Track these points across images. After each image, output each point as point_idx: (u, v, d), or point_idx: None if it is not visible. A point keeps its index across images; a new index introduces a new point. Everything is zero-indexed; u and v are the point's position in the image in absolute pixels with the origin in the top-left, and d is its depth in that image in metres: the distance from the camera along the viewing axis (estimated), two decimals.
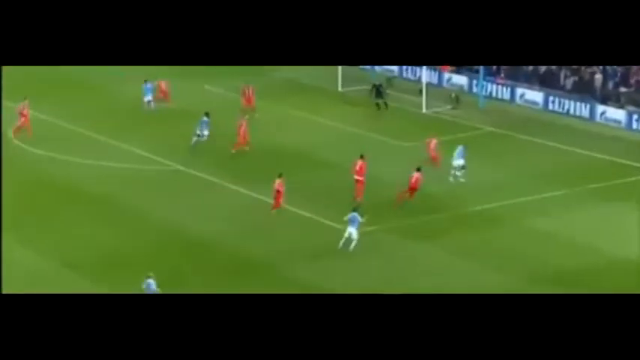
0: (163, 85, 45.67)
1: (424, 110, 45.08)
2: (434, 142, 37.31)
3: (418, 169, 33.63)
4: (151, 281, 25.87)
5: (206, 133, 39.06)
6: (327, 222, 32.18)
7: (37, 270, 28.55)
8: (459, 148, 36.37)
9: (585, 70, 46.53)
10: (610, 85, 45.76)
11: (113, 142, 40.14)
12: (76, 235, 31.23)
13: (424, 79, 46.69)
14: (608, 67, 45.98)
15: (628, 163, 37.53)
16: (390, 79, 49.72)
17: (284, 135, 41.51)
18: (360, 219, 29.73)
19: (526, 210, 33.48)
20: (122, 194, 34.60)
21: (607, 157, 38.74)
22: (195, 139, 39.09)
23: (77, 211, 33.19)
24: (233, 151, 38.62)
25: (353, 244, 29.61)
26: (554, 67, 47.53)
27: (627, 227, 32.15)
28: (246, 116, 40.56)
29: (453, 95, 46.35)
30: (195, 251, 30.27)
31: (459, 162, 35.99)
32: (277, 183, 32.87)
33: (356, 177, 34.27)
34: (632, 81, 45.65)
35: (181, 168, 37.53)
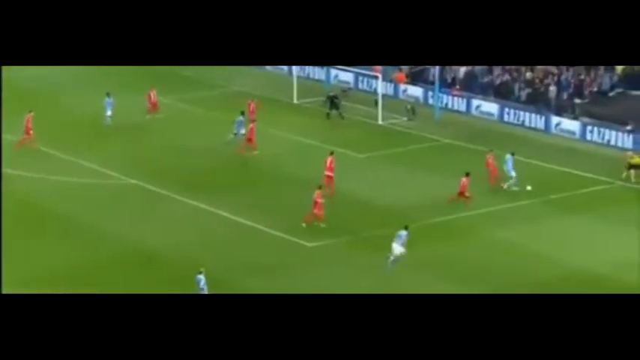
0: (152, 95, 44.02)
1: (380, 122, 44.45)
2: (491, 156, 35.92)
3: (467, 175, 33.61)
4: (201, 277, 26.24)
5: (242, 132, 39.79)
6: (281, 234, 31.32)
7: None
8: (508, 157, 36.18)
9: (540, 82, 46.23)
10: (564, 96, 45.48)
11: (67, 158, 38.92)
12: (30, 250, 30.09)
13: (380, 91, 46.05)
14: (562, 79, 45.73)
15: (583, 174, 37.20)
16: (345, 91, 49.04)
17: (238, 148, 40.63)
18: (406, 237, 28.85)
19: (484, 221, 32.98)
20: (77, 209, 33.52)
21: (562, 169, 38.39)
22: (231, 136, 39.66)
23: (32, 226, 32.06)
24: (244, 154, 38.56)
25: (398, 259, 28.61)
26: (509, 79, 47.18)
27: (584, 238, 31.82)
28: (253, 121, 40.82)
29: (409, 107, 45.74)
30: (150, 265, 29.28)
31: (511, 173, 35.93)
32: (316, 194, 32.08)
33: (326, 173, 34.93)
34: (586, 92, 45.42)
35: (136, 182, 36.47)
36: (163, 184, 35.93)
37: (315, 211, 31.97)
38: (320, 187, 32.76)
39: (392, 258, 28.99)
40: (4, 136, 39.39)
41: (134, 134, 42.03)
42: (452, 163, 38.49)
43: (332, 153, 35.88)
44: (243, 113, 41.00)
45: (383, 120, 44.54)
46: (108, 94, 42.96)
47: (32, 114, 39.96)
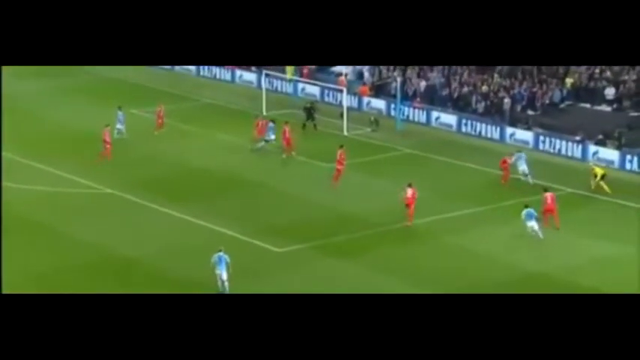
0: (160, 112, 43.87)
1: (345, 133, 44.89)
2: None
3: (545, 190, 33.87)
4: (222, 254, 27.31)
5: (272, 137, 40.42)
6: (256, 242, 31.61)
7: None
8: (519, 155, 37.92)
9: (495, 95, 46.99)
10: (518, 108, 46.26)
11: (43, 167, 38.94)
12: (4, 258, 29.99)
13: (345, 103, 46.54)
14: (516, 92, 46.51)
15: (536, 182, 37.86)
16: (312, 103, 49.49)
17: (211, 158, 40.87)
18: (535, 213, 31.28)
19: (443, 227, 33.32)
20: (52, 218, 33.46)
21: (516, 176, 39.00)
22: (262, 144, 40.22)
23: (7, 236, 31.97)
24: (284, 156, 38.98)
25: (539, 233, 31.25)
26: (466, 92, 47.90)
27: (535, 242, 32.34)
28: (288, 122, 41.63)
29: (372, 118, 46.25)
30: (125, 273, 29.33)
31: (522, 168, 37.49)
32: (410, 192, 33.14)
33: (337, 166, 36.76)
34: (538, 104, 46.22)
35: (111, 191, 36.58)
36: (138, 193, 36.05)
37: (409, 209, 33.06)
38: (410, 185, 33.54)
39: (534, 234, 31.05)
40: None
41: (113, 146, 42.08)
42: (412, 172, 39.07)
43: (342, 146, 37.58)
44: (274, 120, 41.24)
45: (348, 131, 44.99)
46: (119, 108, 42.88)
47: (109, 127, 40.06)
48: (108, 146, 39.73)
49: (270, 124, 41.16)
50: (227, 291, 27.50)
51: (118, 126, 42.36)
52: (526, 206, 32.07)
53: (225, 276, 27.49)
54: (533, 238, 31.58)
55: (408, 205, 33.40)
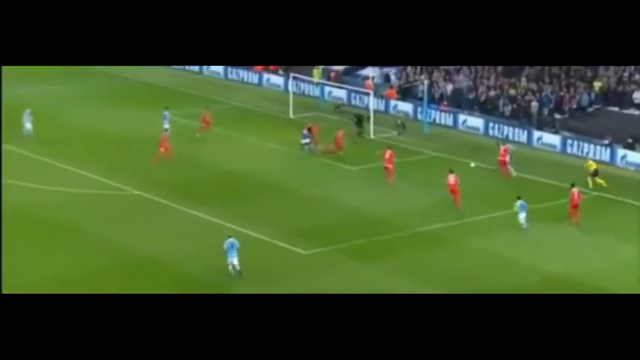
0: (208, 115, 44.25)
1: (372, 136, 44.83)
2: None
3: (572, 185, 33.90)
4: (233, 240, 28.20)
5: (307, 140, 41.19)
6: (281, 244, 31.63)
7: None
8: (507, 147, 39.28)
9: (522, 98, 46.72)
10: (545, 111, 45.96)
11: (71, 169, 39.25)
12: (32, 260, 30.31)
13: (371, 106, 46.50)
14: (543, 96, 46.22)
15: (563, 185, 37.59)
16: (338, 107, 49.51)
17: (238, 160, 40.99)
18: (526, 205, 32.04)
19: (468, 231, 33.21)
20: (81, 219, 33.64)
21: (544, 180, 38.78)
22: (304, 146, 40.83)
23: (35, 237, 32.24)
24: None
25: (525, 226, 32.01)
26: (493, 95, 47.66)
27: (563, 246, 32.11)
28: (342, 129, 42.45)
29: (399, 122, 46.16)
30: (150, 273, 29.44)
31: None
32: (452, 179, 35.00)
33: (386, 165, 37.72)
34: (566, 108, 45.91)
35: (140, 193, 36.79)
36: (166, 195, 36.22)
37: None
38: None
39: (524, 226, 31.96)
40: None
41: (141, 147, 42.37)
42: (439, 175, 38.93)
43: (390, 147, 38.63)
44: (310, 129, 41.70)
45: (374, 134, 44.94)
46: (166, 108, 43.47)
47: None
48: (167, 147, 40.19)
49: (305, 132, 41.32)
50: (239, 275, 28.27)
51: (166, 125, 42.97)
52: (518, 197, 32.68)
53: (236, 261, 28.42)
54: (524, 232, 32.30)
55: (453, 192, 34.48)
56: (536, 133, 44.22)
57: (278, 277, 29.23)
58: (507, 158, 39.31)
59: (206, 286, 28.17)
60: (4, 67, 43.02)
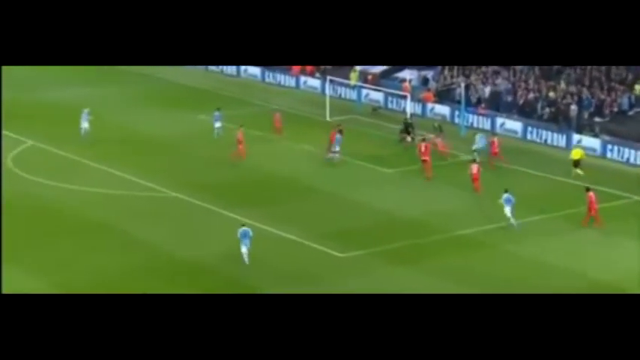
0: (278, 118, 44.63)
1: (408, 139, 44.56)
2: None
3: (588, 189, 33.66)
4: (247, 229, 29.27)
5: (337, 148, 40.61)
6: (316, 246, 31.55)
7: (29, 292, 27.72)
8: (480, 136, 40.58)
9: (561, 101, 46.18)
10: (585, 115, 45.37)
11: (108, 169, 39.53)
12: (70, 260, 30.56)
13: (408, 109, 46.22)
14: (583, 98, 45.63)
15: (603, 189, 37.08)
16: (375, 109, 49.33)
17: (274, 162, 40.98)
18: (513, 200, 32.37)
19: (504, 235, 32.85)
20: (118, 220, 33.84)
21: (583, 184, 38.24)
22: (331, 155, 40.22)
23: (74, 237, 32.50)
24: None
25: (511, 220, 32.32)
26: (532, 98, 47.18)
27: (602, 251, 31.63)
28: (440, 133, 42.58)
29: (436, 124, 45.81)
30: (185, 276, 29.51)
31: (479, 146, 40.01)
32: (475, 168, 36.40)
33: (423, 157, 38.32)
34: (607, 111, 45.29)
35: (176, 195, 36.94)
36: (203, 196, 36.32)
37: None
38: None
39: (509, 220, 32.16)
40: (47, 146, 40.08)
41: (178, 149, 42.58)
42: (481, 179, 38.58)
43: (424, 139, 39.43)
44: (341, 132, 41.15)
45: (411, 137, 44.65)
46: (218, 109, 43.93)
47: (243, 129, 41.09)
48: (241, 146, 40.47)
49: (338, 137, 40.94)
50: (247, 262, 29.45)
51: (217, 125, 43.22)
52: (506, 191, 32.89)
53: (246, 249, 29.47)
54: (509, 227, 32.49)
55: (474, 180, 36.06)
56: (576, 137, 43.66)
57: (313, 279, 29.13)
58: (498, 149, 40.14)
59: (241, 287, 28.18)
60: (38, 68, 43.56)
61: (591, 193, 33.37)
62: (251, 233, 29.73)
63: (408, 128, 44.22)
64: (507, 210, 32.54)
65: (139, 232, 32.86)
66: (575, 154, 38.89)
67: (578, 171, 38.19)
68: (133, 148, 42.73)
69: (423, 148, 38.45)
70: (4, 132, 43.30)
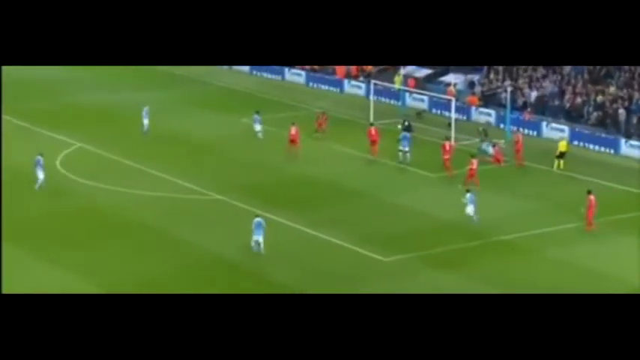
0: (322, 119, 45.19)
1: (452, 143, 44.35)
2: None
3: (589, 192, 33.56)
4: (260, 219, 30.25)
5: (407, 148, 40.95)
6: (360, 250, 31.58)
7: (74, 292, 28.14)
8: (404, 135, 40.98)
9: (610, 106, 45.61)
10: (634, 119, 44.76)
11: (153, 172, 39.93)
12: (115, 260, 30.92)
13: (453, 113, 46.04)
14: (632, 103, 45.00)
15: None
16: (419, 113, 49.20)
17: (317, 165, 41.08)
18: (474, 198, 33.26)
19: (548, 241, 32.62)
20: (163, 222, 34.24)
21: (632, 190, 37.74)
22: (400, 156, 40.82)
23: (119, 238, 32.90)
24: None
25: (474, 218, 33.00)
26: (579, 102, 46.65)
27: None
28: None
29: (481, 129, 45.59)
30: (230, 277, 29.74)
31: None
32: (474, 164, 36.92)
33: (445, 156, 39.17)
34: None
35: (219, 197, 37.20)
36: (245, 199, 36.51)
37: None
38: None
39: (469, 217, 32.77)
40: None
41: (222, 152, 42.87)
42: (520, 183, 38.32)
43: (448, 138, 40.53)
44: (407, 129, 42.34)
45: (456, 141, 44.45)
46: (257, 112, 44.65)
47: (296, 125, 41.82)
48: (294, 142, 41.47)
49: (405, 134, 41.56)
50: (262, 252, 30.32)
51: (257, 127, 43.78)
52: (467, 191, 33.97)
53: (261, 239, 30.46)
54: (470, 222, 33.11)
55: (470, 176, 37.23)
56: (624, 142, 43.10)
57: (358, 284, 29.10)
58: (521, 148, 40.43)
59: (284, 288, 28.31)
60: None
61: (592, 196, 32.98)
62: (264, 224, 30.60)
63: (409, 127, 44.27)
64: (470, 209, 33.31)
65: (184, 234, 33.15)
66: (561, 146, 39.46)
67: (560, 163, 39.28)
68: (177, 151, 43.11)
69: (447, 147, 39.16)
70: (54, 134, 44.01)
